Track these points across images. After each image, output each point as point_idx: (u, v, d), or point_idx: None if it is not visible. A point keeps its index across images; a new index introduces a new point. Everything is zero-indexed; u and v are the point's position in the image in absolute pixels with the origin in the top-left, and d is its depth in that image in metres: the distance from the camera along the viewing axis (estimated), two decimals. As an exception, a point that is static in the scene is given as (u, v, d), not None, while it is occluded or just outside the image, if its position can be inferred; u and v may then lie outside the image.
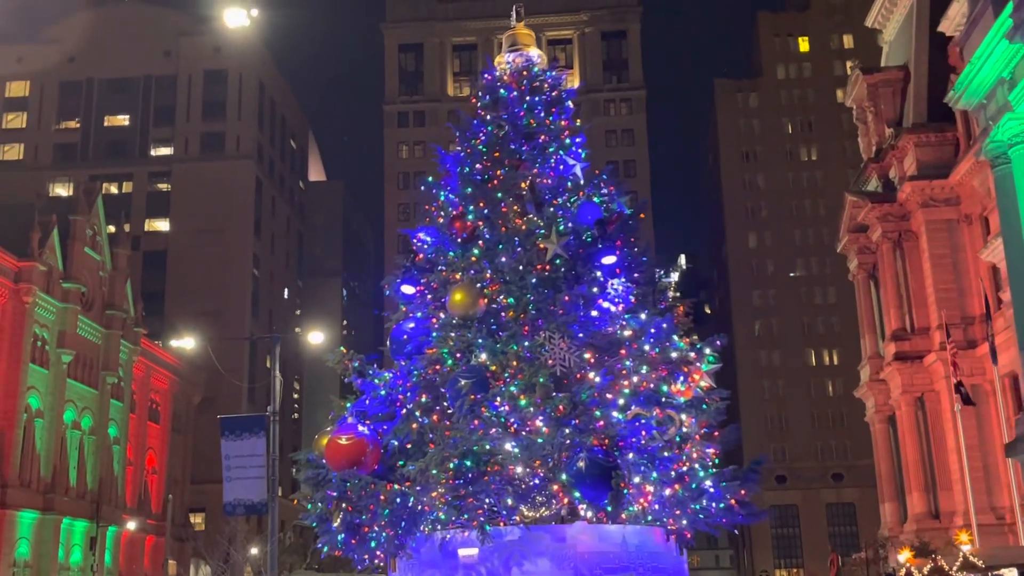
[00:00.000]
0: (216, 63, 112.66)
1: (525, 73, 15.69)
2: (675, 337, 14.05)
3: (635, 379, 13.28)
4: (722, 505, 13.47)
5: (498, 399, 12.63)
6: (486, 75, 16.01)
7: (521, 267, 13.70)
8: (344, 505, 13.20)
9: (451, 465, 12.22)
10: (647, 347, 13.55)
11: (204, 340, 38.05)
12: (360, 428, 13.16)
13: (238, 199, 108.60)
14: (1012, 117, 24.28)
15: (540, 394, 12.47)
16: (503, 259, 13.78)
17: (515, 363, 12.92)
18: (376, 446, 13.14)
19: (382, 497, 12.55)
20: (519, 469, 12.29)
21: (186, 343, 34.98)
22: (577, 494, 12.07)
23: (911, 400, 57.74)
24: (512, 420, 12.51)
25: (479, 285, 13.60)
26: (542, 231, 13.91)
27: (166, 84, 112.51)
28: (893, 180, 62.54)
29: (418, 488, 12.66)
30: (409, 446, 13.05)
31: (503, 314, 13.52)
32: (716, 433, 13.86)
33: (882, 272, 61.77)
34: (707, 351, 13.94)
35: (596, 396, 12.77)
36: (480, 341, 13.09)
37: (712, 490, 13.34)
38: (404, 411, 13.32)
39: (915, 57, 62.25)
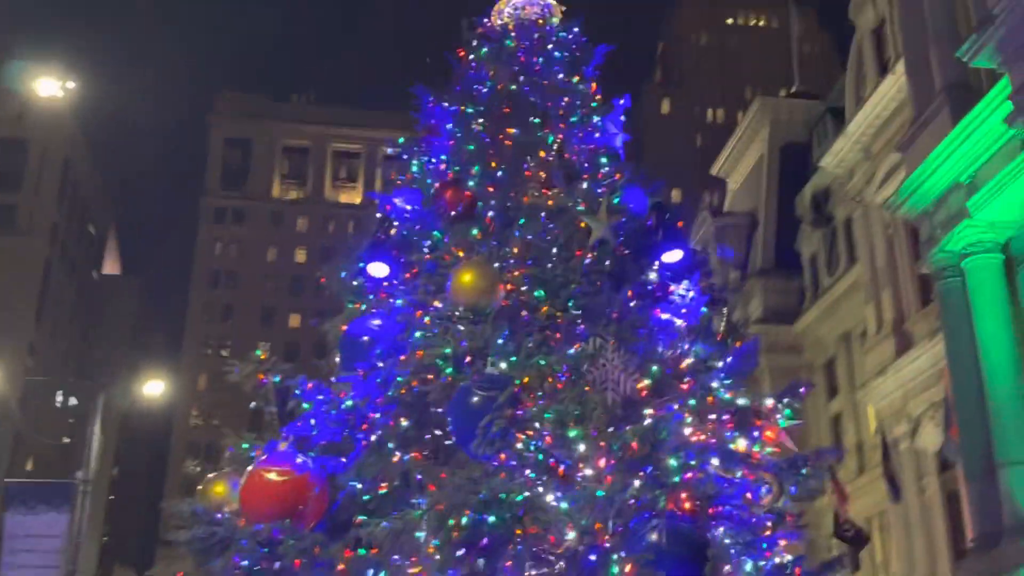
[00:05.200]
0: (17, 131, 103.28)
1: (541, 22, 11.83)
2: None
3: (688, 428, 9.13)
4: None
5: (530, 430, 8.15)
6: (484, 21, 12.05)
7: (556, 250, 9.49)
8: (259, 583, 8.18)
9: (463, 520, 7.57)
10: (715, 384, 9.48)
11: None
12: (299, 460, 8.36)
13: (21, 280, 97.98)
14: (969, 225, 22.25)
15: (597, 424, 8.13)
16: (528, 237, 9.53)
17: (549, 380, 8.57)
18: (323, 489, 8.35)
19: (340, 567, 7.67)
20: (571, 535, 7.78)
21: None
22: (663, 577, 7.65)
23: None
24: (557, 459, 8.04)
25: (498, 265, 9.26)
26: (580, 207, 9.78)
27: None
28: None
29: (394, 558, 7.89)
30: (383, 490, 8.27)
31: (526, 311, 9.18)
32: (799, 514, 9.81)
33: (719, 416, 60.37)
34: (784, 402, 9.98)
35: (662, 439, 8.53)
36: (500, 343, 8.66)
37: (800, 594, 9.20)
38: (372, 439, 8.59)
39: (764, 204, 62.77)
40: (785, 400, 10.08)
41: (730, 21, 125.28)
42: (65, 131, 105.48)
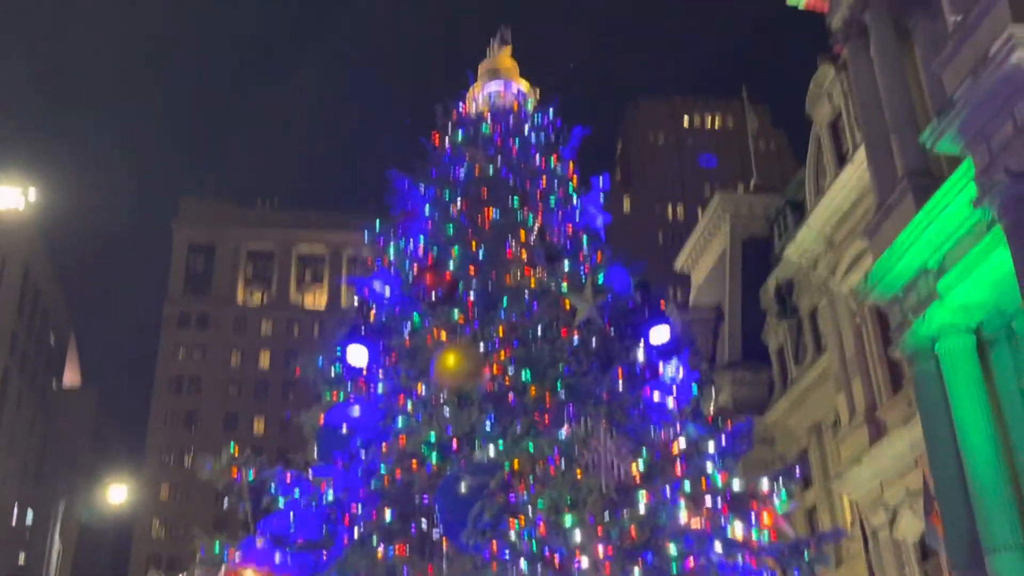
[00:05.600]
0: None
1: (516, 106, 11.78)
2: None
3: (683, 513, 8.78)
4: None
5: (522, 516, 7.75)
6: (460, 105, 11.98)
7: (541, 330, 9.21)
8: None
9: (453, 619, 7.11)
10: (709, 467, 9.16)
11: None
12: (277, 557, 7.87)
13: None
14: (941, 307, 22.20)
15: (592, 510, 7.75)
16: (513, 318, 9.26)
17: (540, 464, 8.20)
18: (303, 588, 7.85)
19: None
20: (569, 630, 7.33)
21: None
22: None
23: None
24: (551, 548, 7.62)
25: (482, 347, 8.95)
26: (564, 287, 9.55)
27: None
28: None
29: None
30: (367, 588, 7.79)
31: (512, 394, 8.85)
32: (801, 603, 9.38)
33: (693, 512, 59.51)
34: (779, 484, 9.66)
35: (661, 525, 8.17)
36: (487, 427, 8.30)
37: None
38: (356, 534, 8.12)
39: (729, 297, 63.07)
40: (780, 483, 9.76)
41: (686, 120, 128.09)
42: (26, 240, 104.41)
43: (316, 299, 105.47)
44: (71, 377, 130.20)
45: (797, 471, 9.76)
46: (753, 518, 9.37)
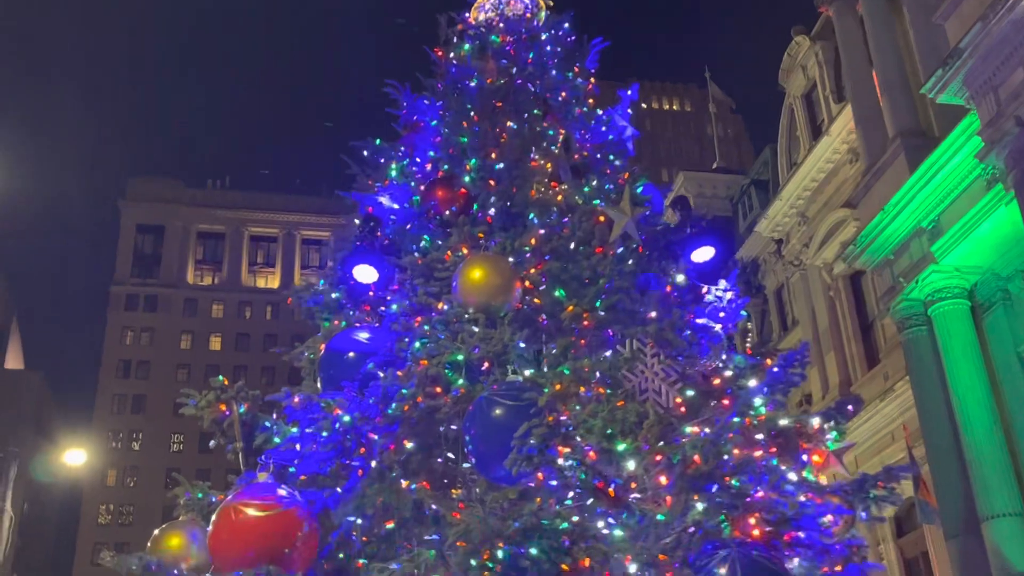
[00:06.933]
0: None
1: (528, 16, 10.71)
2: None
3: (735, 449, 7.82)
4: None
5: (569, 445, 6.70)
6: (466, 16, 10.87)
7: (573, 246, 8.16)
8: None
9: (499, 554, 6.05)
10: (758, 402, 8.20)
11: None
12: (281, 492, 6.75)
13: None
14: (936, 270, 21.51)
15: (650, 436, 6.72)
16: (541, 232, 8.19)
17: (582, 388, 7.16)
18: (313, 528, 6.74)
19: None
20: (632, 569, 6.29)
21: None
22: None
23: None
24: (605, 478, 6.59)
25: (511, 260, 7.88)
26: (598, 200, 8.51)
27: None
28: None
29: (408, 611, 6.30)
30: (391, 525, 6.68)
31: (545, 315, 7.79)
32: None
33: None
34: (830, 423, 8.71)
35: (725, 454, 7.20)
36: (521, 346, 7.24)
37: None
38: (371, 468, 7.01)
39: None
40: (831, 422, 8.81)
41: (644, 105, 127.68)
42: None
43: (269, 281, 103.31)
44: (14, 361, 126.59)
45: (851, 408, 8.79)
46: (804, 458, 8.43)
